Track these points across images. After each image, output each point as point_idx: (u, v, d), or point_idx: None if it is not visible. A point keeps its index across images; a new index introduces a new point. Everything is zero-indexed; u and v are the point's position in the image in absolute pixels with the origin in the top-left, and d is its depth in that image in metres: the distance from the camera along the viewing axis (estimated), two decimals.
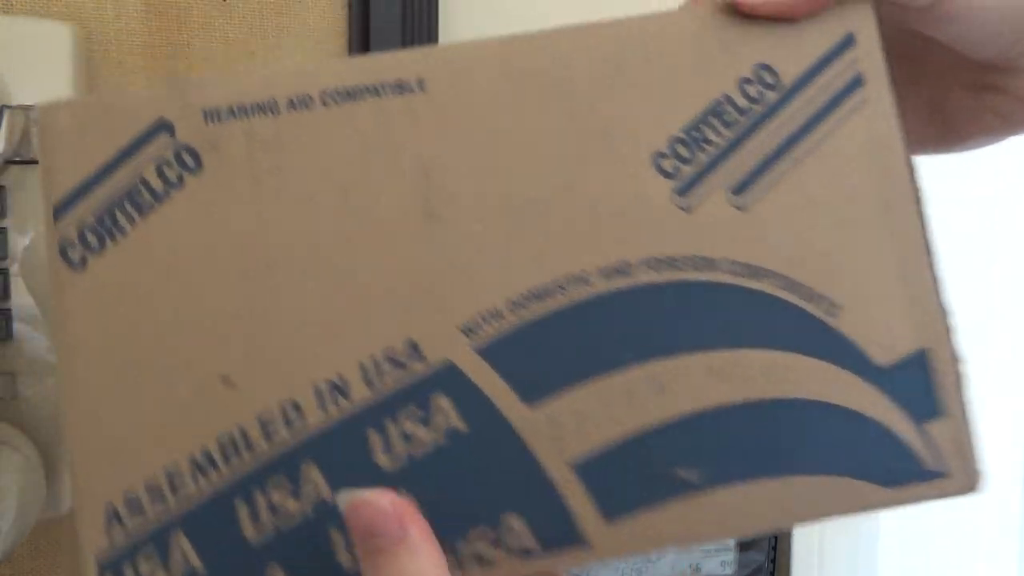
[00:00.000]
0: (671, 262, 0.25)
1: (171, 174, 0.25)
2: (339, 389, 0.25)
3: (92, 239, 0.25)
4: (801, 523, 0.25)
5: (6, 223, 0.43)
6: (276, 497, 0.24)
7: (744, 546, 0.59)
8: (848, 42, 0.26)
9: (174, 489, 0.24)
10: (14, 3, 0.46)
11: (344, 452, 0.25)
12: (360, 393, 0.25)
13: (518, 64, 0.26)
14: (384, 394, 0.25)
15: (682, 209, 0.26)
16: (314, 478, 0.24)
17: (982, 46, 0.29)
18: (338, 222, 0.25)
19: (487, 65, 0.26)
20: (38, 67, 0.43)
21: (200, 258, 0.25)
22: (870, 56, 0.26)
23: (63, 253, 0.25)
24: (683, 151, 0.26)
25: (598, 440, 0.25)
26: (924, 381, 0.26)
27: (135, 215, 0.25)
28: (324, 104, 0.25)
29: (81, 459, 0.24)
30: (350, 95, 0.25)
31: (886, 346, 0.26)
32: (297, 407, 0.25)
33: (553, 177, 0.26)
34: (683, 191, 0.26)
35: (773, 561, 0.60)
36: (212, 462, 0.24)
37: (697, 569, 0.58)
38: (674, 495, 0.25)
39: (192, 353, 0.25)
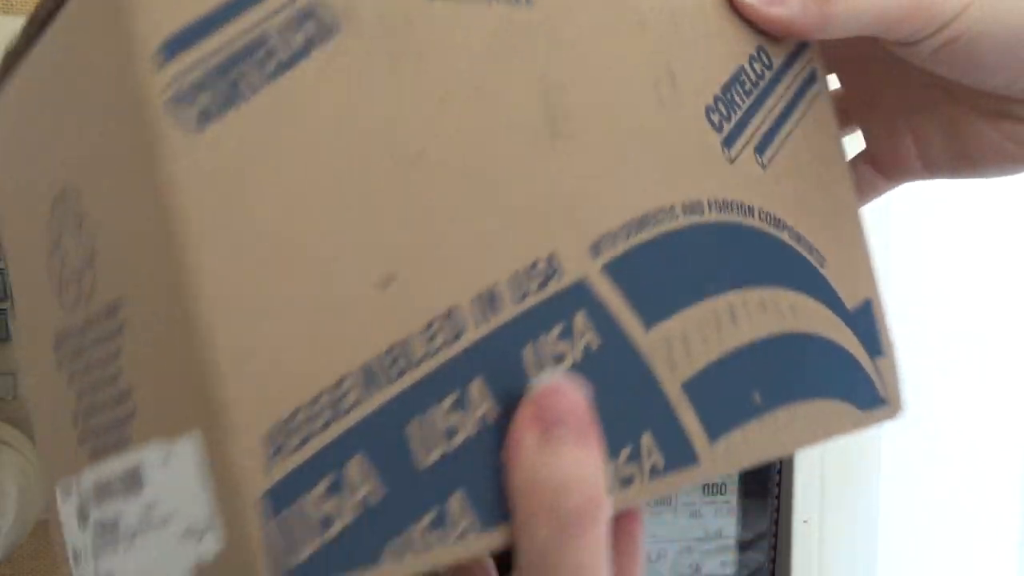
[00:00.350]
0: (727, 205, 0.28)
1: (299, 38, 0.21)
2: (493, 301, 0.22)
3: (207, 99, 0.19)
4: (815, 443, 0.29)
5: None
6: (447, 416, 0.21)
7: (744, 546, 0.59)
8: (805, 45, 0.32)
9: (341, 409, 0.20)
10: (14, 3, 0.46)
11: (503, 367, 0.22)
12: (509, 307, 0.23)
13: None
14: (531, 309, 0.23)
15: (728, 161, 0.28)
16: (481, 394, 0.22)
17: (992, 83, 0.30)
18: (473, 124, 0.23)
19: None
20: None
21: (343, 138, 0.21)
22: (817, 58, 0.32)
23: (173, 109, 0.19)
24: (723, 108, 0.29)
25: (699, 362, 0.26)
26: (872, 325, 0.31)
27: (259, 79, 0.20)
28: None
29: (226, 378, 0.19)
30: None
31: (849, 294, 0.31)
32: (460, 316, 0.22)
33: (644, 111, 0.26)
34: (727, 144, 0.28)
35: (773, 561, 0.60)
36: (383, 375, 0.21)
37: (697, 569, 0.58)
38: (750, 416, 0.27)
39: (347, 245, 0.20)
